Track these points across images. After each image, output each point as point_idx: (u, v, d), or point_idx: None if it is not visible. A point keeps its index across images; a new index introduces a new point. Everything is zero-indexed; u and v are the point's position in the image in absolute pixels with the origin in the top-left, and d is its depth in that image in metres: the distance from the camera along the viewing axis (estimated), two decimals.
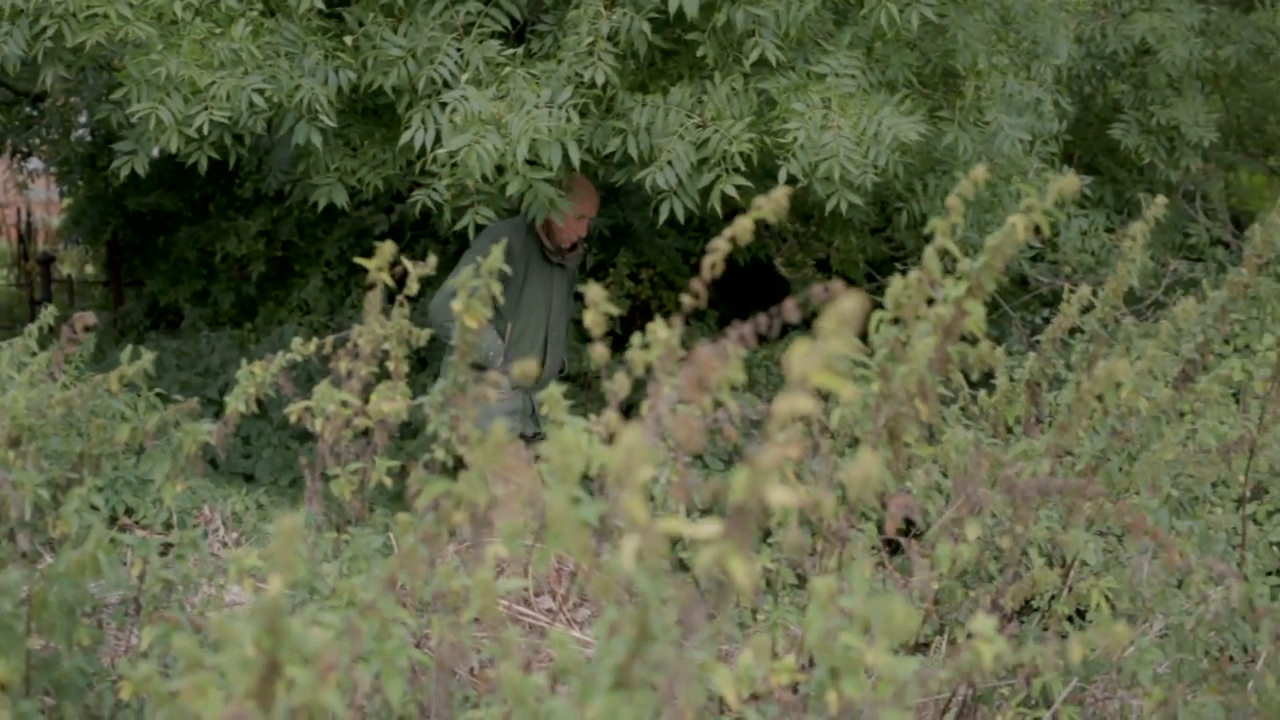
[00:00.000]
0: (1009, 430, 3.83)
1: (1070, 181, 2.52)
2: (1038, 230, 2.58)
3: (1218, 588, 3.45)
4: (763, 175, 5.99)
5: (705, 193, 5.95)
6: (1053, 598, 3.54)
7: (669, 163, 5.92)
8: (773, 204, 2.25)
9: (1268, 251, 3.73)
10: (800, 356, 1.46)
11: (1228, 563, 3.34)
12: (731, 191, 5.82)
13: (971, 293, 2.47)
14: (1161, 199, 3.77)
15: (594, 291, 2.34)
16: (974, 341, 2.60)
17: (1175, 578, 3.58)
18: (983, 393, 3.99)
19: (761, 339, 7.14)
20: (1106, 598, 3.50)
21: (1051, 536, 3.18)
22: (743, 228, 2.30)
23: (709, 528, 1.58)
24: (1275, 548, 5.86)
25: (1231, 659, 3.47)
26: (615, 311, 2.42)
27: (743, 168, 5.87)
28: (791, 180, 5.77)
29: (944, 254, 2.56)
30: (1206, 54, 8.02)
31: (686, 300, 2.24)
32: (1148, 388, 3.43)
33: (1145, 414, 3.44)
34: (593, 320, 2.35)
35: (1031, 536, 3.17)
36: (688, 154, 5.92)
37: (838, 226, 8.11)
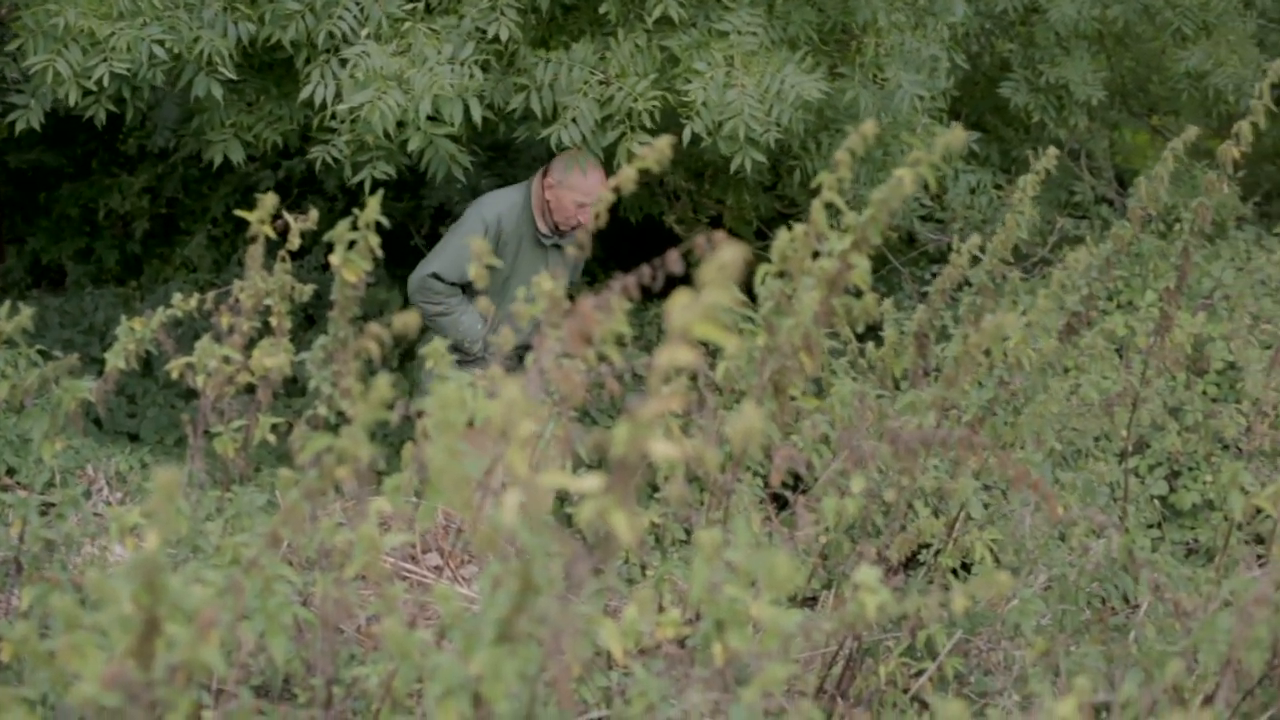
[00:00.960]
0: (896, 384, 3.86)
1: (957, 135, 2.54)
2: (926, 187, 2.60)
3: (1099, 539, 3.49)
4: (666, 133, 5.99)
5: (609, 150, 5.94)
6: (937, 551, 3.57)
7: (573, 120, 5.90)
8: (656, 154, 2.25)
9: (1152, 205, 3.77)
10: (681, 308, 1.45)
11: (1109, 515, 3.39)
12: (637, 150, 5.81)
13: (857, 246, 2.48)
14: (1053, 150, 3.80)
15: (477, 245, 2.33)
16: (859, 294, 2.61)
17: (1058, 530, 3.63)
18: (871, 345, 4.01)
19: (653, 296, 7.11)
20: (991, 550, 3.54)
21: (938, 488, 3.21)
22: (626, 178, 2.30)
23: (591, 481, 1.57)
24: (1156, 501, 5.96)
25: (1114, 610, 3.52)
26: (496, 263, 2.40)
27: (648, 125, 5.87)
28: (696, 139, 5.79)
29: (830, 208, 2.56)
30: (1094, 13, 8.09)
31: (571, 251, 2.23)
32: (1034, 340, 3.46)
33: (1031, 367, 3.48)
34: (476, 274, 2.34)
35: (918, 488, 3.20)
36: (591, 111, 5.90)
37: (730, 184, 8.11)
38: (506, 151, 9.46)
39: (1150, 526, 5.85)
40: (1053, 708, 1.89)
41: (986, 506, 3.65)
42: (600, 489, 1.56)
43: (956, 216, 8.08)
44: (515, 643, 1.78)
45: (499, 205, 6.14)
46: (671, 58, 6.00)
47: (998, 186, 8.32)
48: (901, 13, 6.62)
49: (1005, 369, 3.41)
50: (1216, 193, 3.68)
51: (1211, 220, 3.77)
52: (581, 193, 6.05)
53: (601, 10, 6.01)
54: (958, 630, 3.35)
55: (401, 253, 9.86)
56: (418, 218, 9.92)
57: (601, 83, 5.93)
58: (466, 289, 6.12)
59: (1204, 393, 6.62)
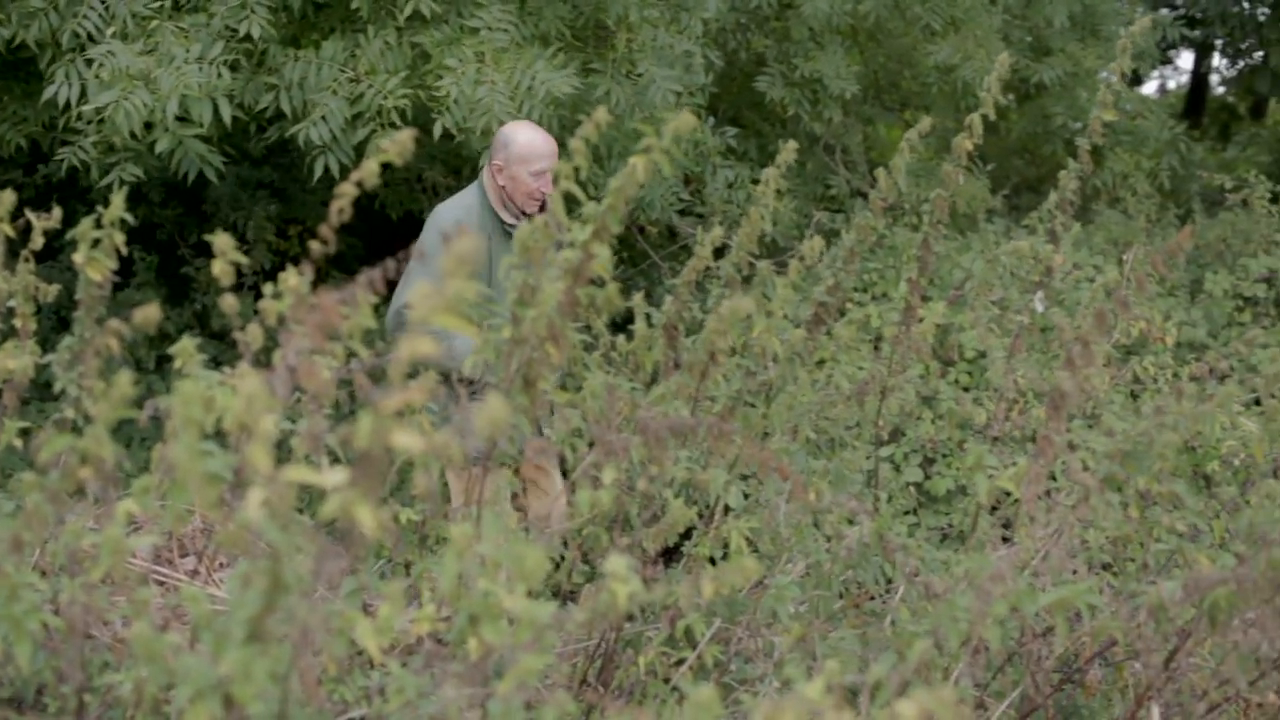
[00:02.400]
0: (654, 378, 3.89)
1: (686, 120, 2.55)
2: (687, 181, 2.64)
3: (853, 526, 3.56)
4: (419, 130, 5.98)
5: (359, 148, 5.92)
6: (695, 542, 3.61)
7: (322, 118, 5.87)
8: (398, 148, 2.25)
9: (891, 195, 3.87)
10: (421, 298, 1.45)
11: (861, 501, 3.46)
12: (386, 146, 5.76)
13: (597, 235, 2.50)
14: (793, 143, 3.87)
15: (221, 240, 2.30)
16: (602, 284, 2.63)
17: (812, 517, 3.69)
18: (622, 338, 4.04)
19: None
20: (748, 539, 3.59)
21: (691, 478, 3.24)
22: (369, 171, 2.30)
23: (336, 476, 1.56)
24: (912, 487, 6.11)
25: (870, 595, 3.60)
26: (243, 261, 2.38)
27: (398, 122, 5.86)
28: (447, 134, 5.79)
29: (570, 198, 2.58)
30: (846, 8, 8.27)
31: (315, 246, 2.21)
32: (781, 330, 3.52)
33: (780, 356, 3.54)
34: (220, 270, 2.31)
35: (670, 478, 3.23)
36: (341, 109, 5.88)
37: None
38: (273, 156, 9.37)
39: (906, 513, 6.00)
40: (803, 690, 1.92)
41: (746, 496, 3.69)
42: (345, 483, 1.56)
43: (715, 210, 8.20)
44: (265, 642, 1.76)
45: (455, 211, 5.49)
46: (423, 54, 6.00)
47: (755, 181, 8.46)
48: (655, 8, 6.70)
49: (752, 359, 3.46)
50: (954, 184, 3.79)
51: (961, 212, 3.89)
52: (535, 158, 5.43)
53: (353, 6, 5.98)
54: (717, 619, 3.39)
55: (172, 262, 9.73)
56: (186, 226, 9.80)
57: (351, 80, 5.91)
58: None
59: (955, 381, 6.81)
